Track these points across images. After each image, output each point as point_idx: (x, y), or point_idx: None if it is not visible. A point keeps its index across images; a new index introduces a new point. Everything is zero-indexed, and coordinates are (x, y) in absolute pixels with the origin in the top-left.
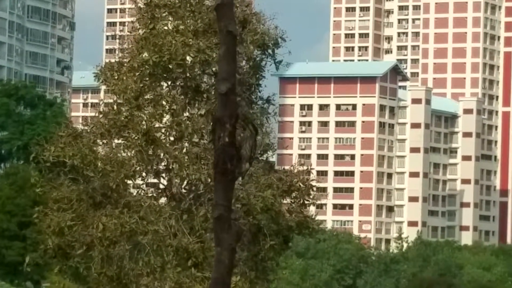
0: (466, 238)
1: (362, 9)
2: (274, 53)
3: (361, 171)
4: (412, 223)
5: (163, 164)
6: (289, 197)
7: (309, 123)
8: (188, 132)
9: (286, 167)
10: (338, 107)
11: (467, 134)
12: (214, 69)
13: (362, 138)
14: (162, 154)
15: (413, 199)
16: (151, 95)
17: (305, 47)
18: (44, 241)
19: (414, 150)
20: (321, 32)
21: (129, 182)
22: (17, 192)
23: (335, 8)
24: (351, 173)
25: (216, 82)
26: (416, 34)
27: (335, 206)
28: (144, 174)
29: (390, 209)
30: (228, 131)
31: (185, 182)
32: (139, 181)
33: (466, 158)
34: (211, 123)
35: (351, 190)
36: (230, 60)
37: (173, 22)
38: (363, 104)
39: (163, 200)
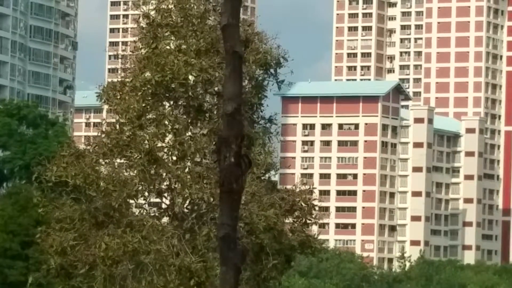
0: (469, 257)
1: (364, 28)
2: (276, 73)
3: (364, 191)
4: (414, 242)
5: (165, 183)
6: (291, 216)
7: (312, 143)
8: (190, 151)
9: (289, 187)
10: (340, 126)
11: (469, 154)
12: (216, 88)
13: (365, 157)
14: (164, 174)
15: (415, 218)
16: (154, 114)
17: (306, 66)
18: (46, 261)
19: (417, 169)
20: (322, 51)
21: (131, 201)
22: (19, 211)
23: (337, 27)
24: (354, 193)
25: (222, 103)
26: (419, 54)
27: (337, 226)
28: (146, 193)
29: (392, 228)
30: (233, 151)
31: (188, 202)
32: (141, 200)
33: (468, 177)
34: (215, 143)
35: (353, 209)
36: (236, 81)
37: (176, 41)
38: (366, 124)
39: (165, 219)
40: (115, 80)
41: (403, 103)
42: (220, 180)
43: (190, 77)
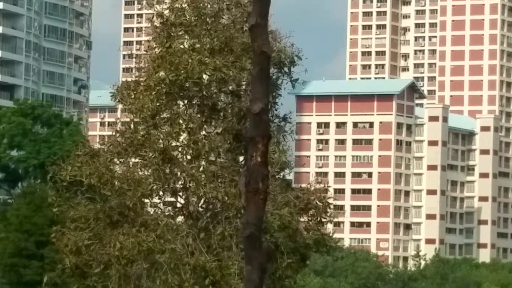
0: (484, 256)
1: (378, 26)
2: (290, 71)
3: (379, 189)
4: (429, 241)
5: (180, 182)
6: (306, 215)
7: (326, 141)
8: (205, 150)
9: (303, 185)
10: (355, 125)
11: (484, 152)
12: (230, 87)
13: (379, 156)
14: (179, 173)
15: (430, 216)
16: (168, 113)
17: (321, 64)
18: (61, 260)
19: (432, 167)
20: (336, 49)
21: (146, 200)
22: (34, 211)
23: (351, 26)
24: (368, 191)
25: (250, 102)
26: (433, 52)
27: (352, 224)
28: (161, 192)
29: (407, 226)
30: (260, 151)
31: (202, 201)
32: (156, 199)
33: (483, 175)
34: (230, 142)
35: (368, 208)
36: (263, 80)
37: (189, 40)
38: (380, 122)
39: (180, 218)
40: (129, 79)
41: (417, 101)
42: (246, 180)
43: (204, 76)
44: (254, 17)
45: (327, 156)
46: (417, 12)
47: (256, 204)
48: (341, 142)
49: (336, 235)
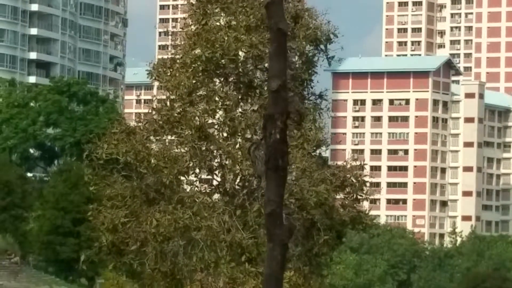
0: None
1: (414, 3)
2: (327, 49)
3: (415, 166)
4: (466, 218)
5: (216, 160)
6: (342, 192)
7: (362, 118)
8: (241, 127)
9: (340, 162)
10: (391, 102)
11: None
12: (266, 64)
13: (416, 133)
14: (215, 150)
15: (467, 193)
16: (204, 91)
17: (357, 41)
18: (98, 238)
19: (468, 144)
20: (372, 26)
21: (182, 178)
22: (70, 189)
23: (387, 2)
24: (405, 168)
25: (267, 80)
26: (469, 28)
27: (388, 201)
28: (197, 170)
29: (443, 203)
30: (279, 128)
31: (239, 178)
32: (192, 177)
33: None
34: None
35: (404, 185)
36: (280, 58)
37: (225, 17)
38: (416, 99)
39: (216, 196)
40: (165, 57)
41: (453, 78)
42: (266, 157)
43: (240, 53)
44: None
45: (363, 133)
46: None
47: (276, 181)
48: (377, 119)
49: (372, 212)
